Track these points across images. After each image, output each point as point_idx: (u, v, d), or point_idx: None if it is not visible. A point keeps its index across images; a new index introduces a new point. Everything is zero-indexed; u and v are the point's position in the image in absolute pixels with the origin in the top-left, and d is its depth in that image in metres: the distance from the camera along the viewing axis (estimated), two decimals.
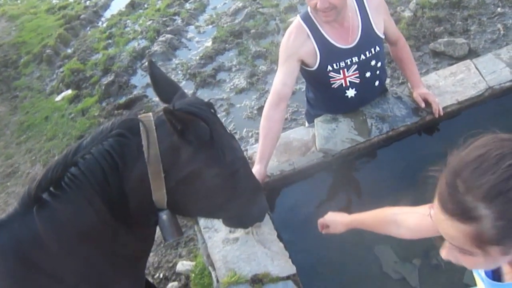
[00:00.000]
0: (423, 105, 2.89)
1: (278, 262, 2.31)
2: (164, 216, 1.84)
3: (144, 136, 1.67)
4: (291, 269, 2.29)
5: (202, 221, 2.51)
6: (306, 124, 3.21)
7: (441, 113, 2.86)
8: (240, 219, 2.16)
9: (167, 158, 1.68)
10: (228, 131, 1.89)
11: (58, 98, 6.21)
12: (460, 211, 1.07)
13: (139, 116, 1.72)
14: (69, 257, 1.76)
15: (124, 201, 1.72)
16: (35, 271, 1.72)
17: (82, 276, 1.80)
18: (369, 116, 2.92)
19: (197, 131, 1.68)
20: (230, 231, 2.43)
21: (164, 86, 1.88)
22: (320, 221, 2.20)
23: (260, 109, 4.90)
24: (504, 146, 1.06)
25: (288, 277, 2.27)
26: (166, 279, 3.56)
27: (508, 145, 1.06)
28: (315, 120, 2.95)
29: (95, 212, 1.70)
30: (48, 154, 5.27)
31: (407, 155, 2.88)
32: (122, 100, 5.70)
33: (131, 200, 1.73)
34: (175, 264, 3.62)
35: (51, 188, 1.70)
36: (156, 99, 5.53)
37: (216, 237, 2.45)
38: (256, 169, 2.48)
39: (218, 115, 5.02)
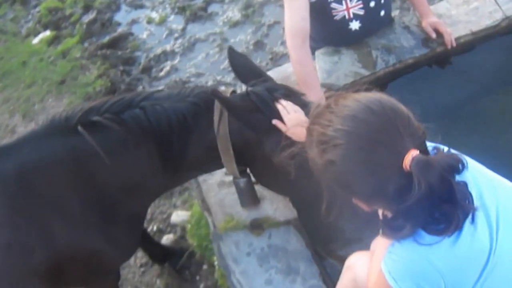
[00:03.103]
0: (434, 35, 2.87)
1: (278, 206, 2.35)
2: (241, 184, 2.04)
3: (217, 112, 1.84)
4: (291, 213, 2.34)
5: None
6: None
7: (454, 44, 2.85)
8: None
9: (236, 137, 1.85)
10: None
11: (36, 40, 6.09)
12: (307, 137, 1.36)
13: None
14: (90, 180, 1.87)
15: (181, 158, 1.90)
16: (36, 198, 1.80)
17: (91, 203, 1.91)
18: (374, 48, 2.90)
19: (251, 121, 1.85)
20: (226, 174, 2.44)
21: (247, 74, 2.02)
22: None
23: (257, 43, 4.88)
24: (366, 114, 1.23)
25: (289, 222, 2.32)
26: (161, 232, 3.57)
27: (368, 117, 1.23)
28: (316, 53, 2.93)
29: (140, 159, 1.88)
30: (28, 102, 5.20)
31: (416, 89, 2.88)
32: (106, 39, 5.59)
33: (189, 160, 1.92)
34: (169, 215, 3.62)
35: (107, 114, 1.81)
36: (143, 36, 5.48)
37: (211, 180, 2.48)
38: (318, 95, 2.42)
39: (211, 52, 4.89)
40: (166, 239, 3.45)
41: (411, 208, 1.19)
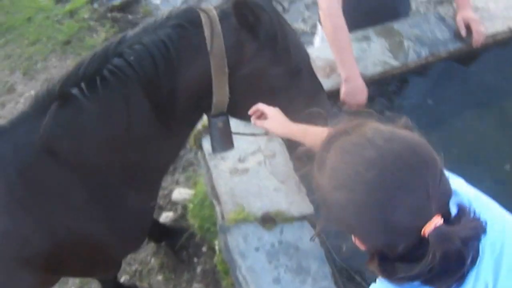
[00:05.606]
0: (463, 32, 2.78)
1: (294, 199, 2.26)
2: (219, 123, 1.90)
3: (208, 27, 1.69)
4: (308, 208, 2.24)
5: (206, 147, 2.42)
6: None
7: (478, 45, 2.76)
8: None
9: (232, 52, 1.72)
10: (293, 29, 1.94)
11: None
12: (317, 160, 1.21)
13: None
14: (82, 169, 1.75)
15: (172, 99, 1.74)
16: (38, 188, 1.71)
17: (92, 193, 1.80)
18: (406, 37, 2.83)
19: (266, 26, 1.71)
20: (239, 160, 2.36)
21: None
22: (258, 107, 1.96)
23: None
24: (395, 163, 1.08)
25: (304, 217, 2.23)
26: (160, 208, 3.51)
27: (374, 153, 1.09)
28: None
29: (133, 112, 1.70)
30: (30, 60, 5.12)
31: (448, 84, 2.80)
32: (118, 1, 5.49)
33: (180, 99, 1.75)
34: (170, 192, 3.57)
35: (82, 84, 1.64)
36: (157, 2, 5.39)
37: (223, 166, 2.38)
38: (358, 83, 2.43)
39: None
40: (166, 217, 3.40)
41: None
